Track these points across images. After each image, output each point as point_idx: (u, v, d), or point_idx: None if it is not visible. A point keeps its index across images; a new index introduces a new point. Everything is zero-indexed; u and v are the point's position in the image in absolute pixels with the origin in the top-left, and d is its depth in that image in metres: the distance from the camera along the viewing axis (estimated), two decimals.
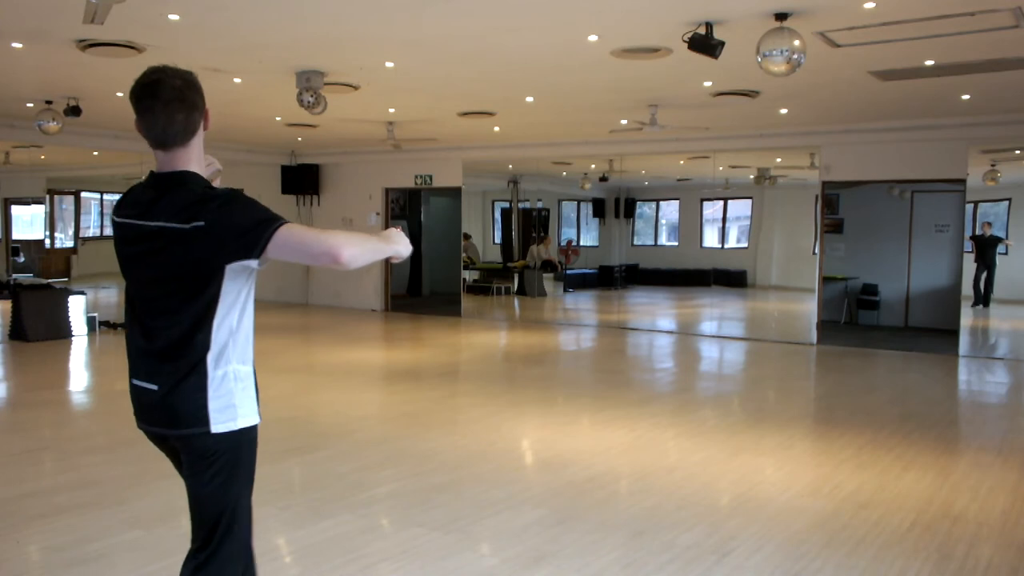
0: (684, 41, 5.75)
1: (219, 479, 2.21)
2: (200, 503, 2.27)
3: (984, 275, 13.72)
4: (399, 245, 2.23)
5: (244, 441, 2.23)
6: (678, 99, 8.71)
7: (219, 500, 2.24)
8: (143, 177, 2.36)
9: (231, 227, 2.05)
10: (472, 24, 5.98)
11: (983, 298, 14.29)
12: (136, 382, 2.25)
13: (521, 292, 16.84)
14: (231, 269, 2.10)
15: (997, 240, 14.03)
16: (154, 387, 2.20)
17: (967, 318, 12.22)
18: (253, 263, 2.08)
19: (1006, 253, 15.95)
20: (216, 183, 2.44)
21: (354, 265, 2.07)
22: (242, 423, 2.20)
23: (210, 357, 2.15)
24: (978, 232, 13.56)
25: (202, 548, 2.29)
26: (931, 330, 12.07)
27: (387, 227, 14.71)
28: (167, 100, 2.14)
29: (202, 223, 2.05)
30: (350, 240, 2.07)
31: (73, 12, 5.54)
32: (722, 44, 5.67)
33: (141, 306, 2.22)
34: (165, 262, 2.12)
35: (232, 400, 2.18)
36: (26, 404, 7.02)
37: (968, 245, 12.73)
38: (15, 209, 18.57)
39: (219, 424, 2.16)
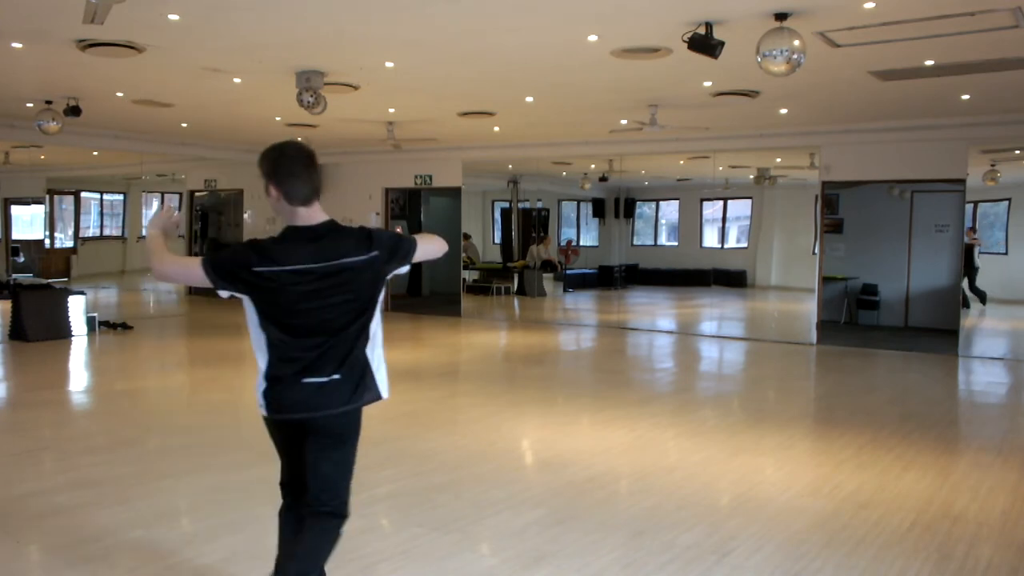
0: (684, 41, 5.75)
1: (355, 442, 2.88)
2: (341, 467, 2.85)
3: (966, 280, 13.75)
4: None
5: None
6: (678, 99, 8.71)
7: (351, 463, 2.88)
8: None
9: (392, 249, 2.85)
10: (472, 24, 5.98)
11: (980, 299, 14.33)
12: (311, 379, 2.74)
13: (521, 292, 16.84)
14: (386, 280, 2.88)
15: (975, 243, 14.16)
16: (336, 376, 2.78)
17: (966, 318, 12.24)
18: (405, 268, 2.94)
19: (1006, 253, 15.97)
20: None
21: None
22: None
23: (371, 346, 2.89)
24: (965, 240, 13.54)
25: (335, 509, 2.86)
26: (931, 330, 12.07)
27: (387, 226, 14.64)
28: (307, 165, 2.77)
29: (376, 252, 2.80)
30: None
31: (73, 12, 5.54)
32: (722, 44, 5.67)
33: (316, 322, 2.75)
34: (352, 287, 2.78)
35: (386, 373, 2.94)
36: (26, 404, 7.01)
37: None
38: (15, 209, 18.58)
39: (384, 391, 2.90)
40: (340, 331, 2.77)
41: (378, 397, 2.87)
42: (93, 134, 11.99)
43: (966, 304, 13.63)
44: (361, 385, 2.83)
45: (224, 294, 2.76)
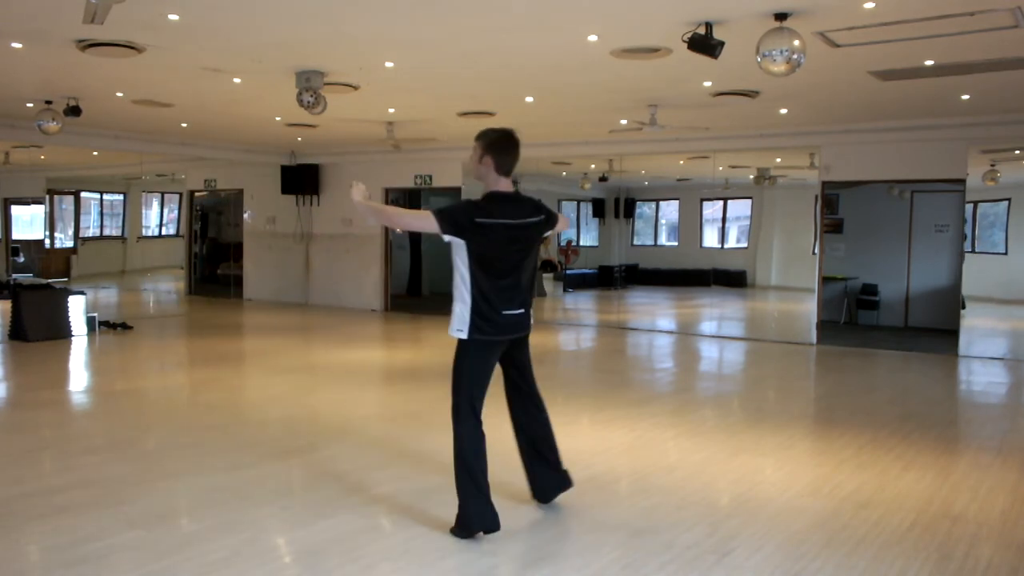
0: (684, 41, 5.75)
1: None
2: (528, 363, 4.17)
3: None
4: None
5: None
6: (678, 99, 8.71)
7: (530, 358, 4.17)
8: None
9: (548, 217, 3.96)
10: (472, 24, 5.98)
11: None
12: (509, 311, 3.80)
13: None
14: None
15: None
16: (522, 310, 3.86)
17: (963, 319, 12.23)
18: (549, 233, 4.06)
19: (1006, 253, 15.94)
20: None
21: None
22: None
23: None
24: None
25: (534, 390, 4.18)
26: (931, 330, 12.07)
27: (387, 228, 14.57)
28: (517, 149, 3.84)
29: (543, 216, 3.91)
30: None
31: (73, 12, 5.54)
32: (722, 44, 5.67)
33: (507, 266, 3.78)
34: (531, 239, 3.87)
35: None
36: (26, 404, 7.02)
37: None
38: (15, 209, 18.58)
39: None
40: (521, 275, 3.81)
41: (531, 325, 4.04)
42: (93, 134, 11.98)
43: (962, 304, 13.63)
44: (530, 317, 3.97)
45: (446, 238, 3.67)
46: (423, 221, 3.75)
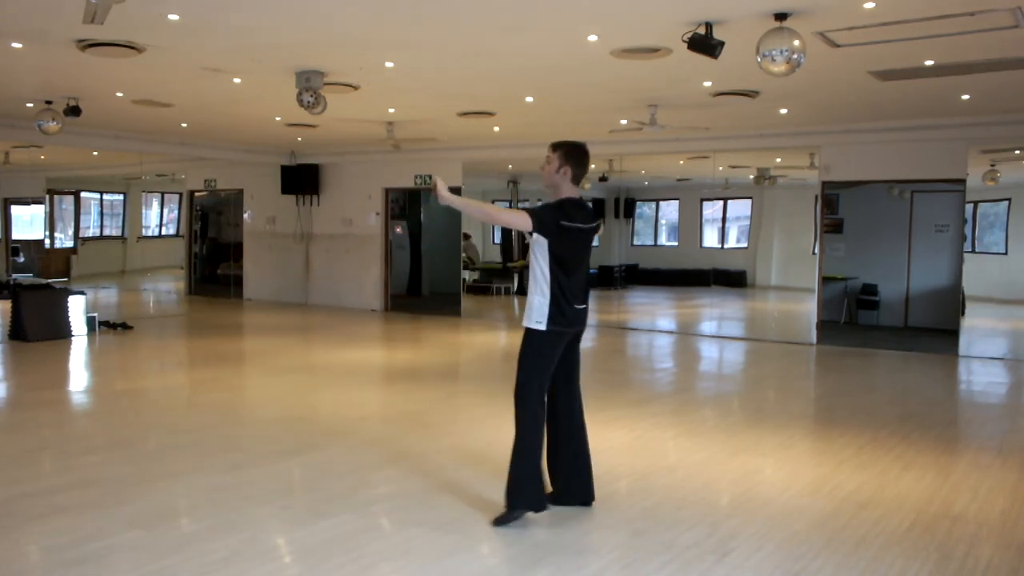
0: (684, 41, 5.75)
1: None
2: (579, 359, 4.38)
3: None
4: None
5: None
6: (678, 99, 8.71)
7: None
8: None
9: (597, 224, 4.21)
10: (472, 24, 5.98)
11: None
12: (579, 305, 4.12)
13: (521, 292, 16.81)
14: None
15: None
16: (585, 306, 4.18)
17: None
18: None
19: (1006, 253, 15.92)
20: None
21: None
22: None
23: None
24: None
25: (577, 383, 4.39)
26: (931, 330, 12.07)
27: (387, 227, 14.62)
28: (589, 160, 4.20)
29: (598, 222, 4.23)
30: None
31: (73, 12, 5.54)
32: (722, 44, 5.67)
33: (576, 264, 4.11)
34: (591, 242, 4.18)
35: None
36: (26, 404, 7.02)
37: None
38: (15, 209, 18.60)
39: None
40: (583, 274, 4.17)
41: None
42: (93, 134, 11.98)
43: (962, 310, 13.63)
44: (587, 311, 4.25)
45: (534, 236, 3.99)
46: (519, 219, 4.05)
